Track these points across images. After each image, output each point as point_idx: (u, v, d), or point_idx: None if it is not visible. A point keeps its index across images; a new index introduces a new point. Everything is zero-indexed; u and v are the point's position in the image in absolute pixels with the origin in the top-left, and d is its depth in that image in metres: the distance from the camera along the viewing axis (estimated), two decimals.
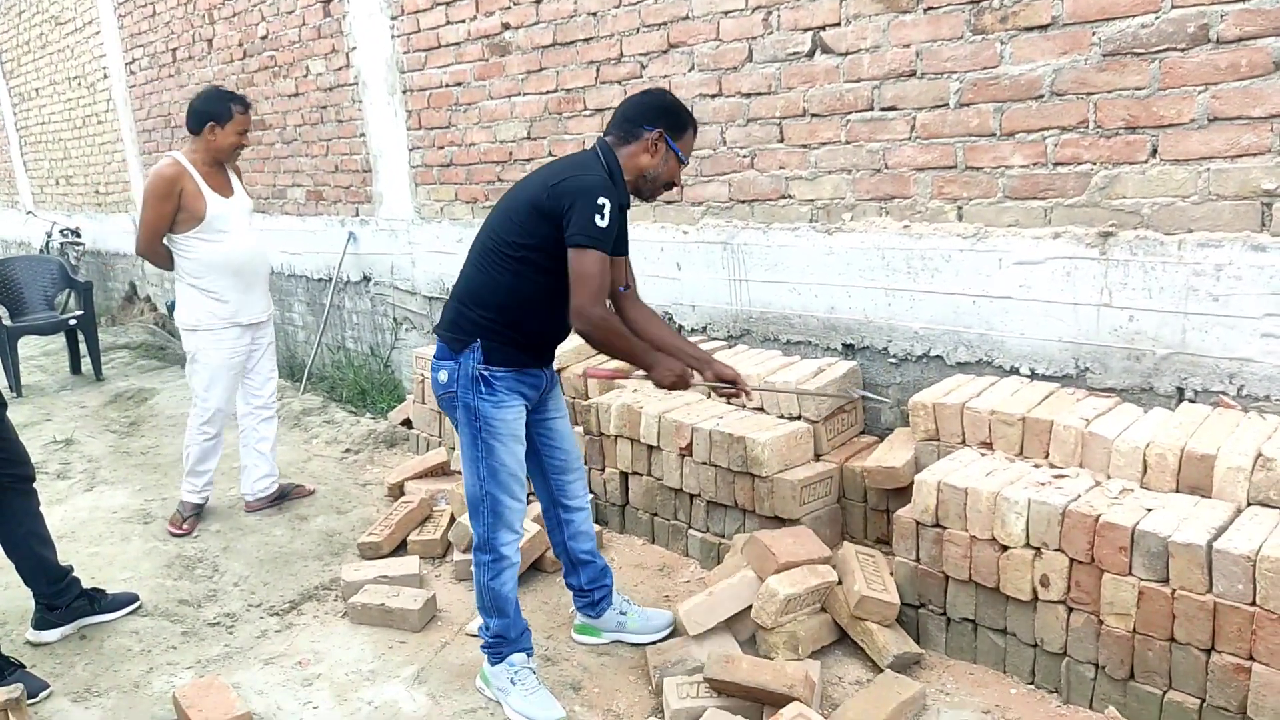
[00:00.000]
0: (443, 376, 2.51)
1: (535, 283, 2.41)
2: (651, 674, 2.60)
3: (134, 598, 3.21)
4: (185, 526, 3.91)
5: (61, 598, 3.03)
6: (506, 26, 4.32)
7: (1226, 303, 2.48)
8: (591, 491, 3.69)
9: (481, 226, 2.54)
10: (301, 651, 2.93)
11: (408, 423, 4.78)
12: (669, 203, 3.82)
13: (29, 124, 10.25)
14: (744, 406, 2.84)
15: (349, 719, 2.57)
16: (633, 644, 2.83)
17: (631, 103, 2.55)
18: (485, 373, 2.45)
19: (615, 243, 2.56)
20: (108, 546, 3.78)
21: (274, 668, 2.84)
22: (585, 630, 2.90)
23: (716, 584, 2.74)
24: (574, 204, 2.30)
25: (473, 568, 2.59)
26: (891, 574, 2.66)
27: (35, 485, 2.98)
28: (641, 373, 2.58)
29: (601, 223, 2.30)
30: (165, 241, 3.72)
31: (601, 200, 2.30)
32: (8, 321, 6.57)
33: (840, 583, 2.66)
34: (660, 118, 2.48)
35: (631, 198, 2.56)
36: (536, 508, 3.44)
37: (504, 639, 2.56)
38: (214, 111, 3.66)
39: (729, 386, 2.69)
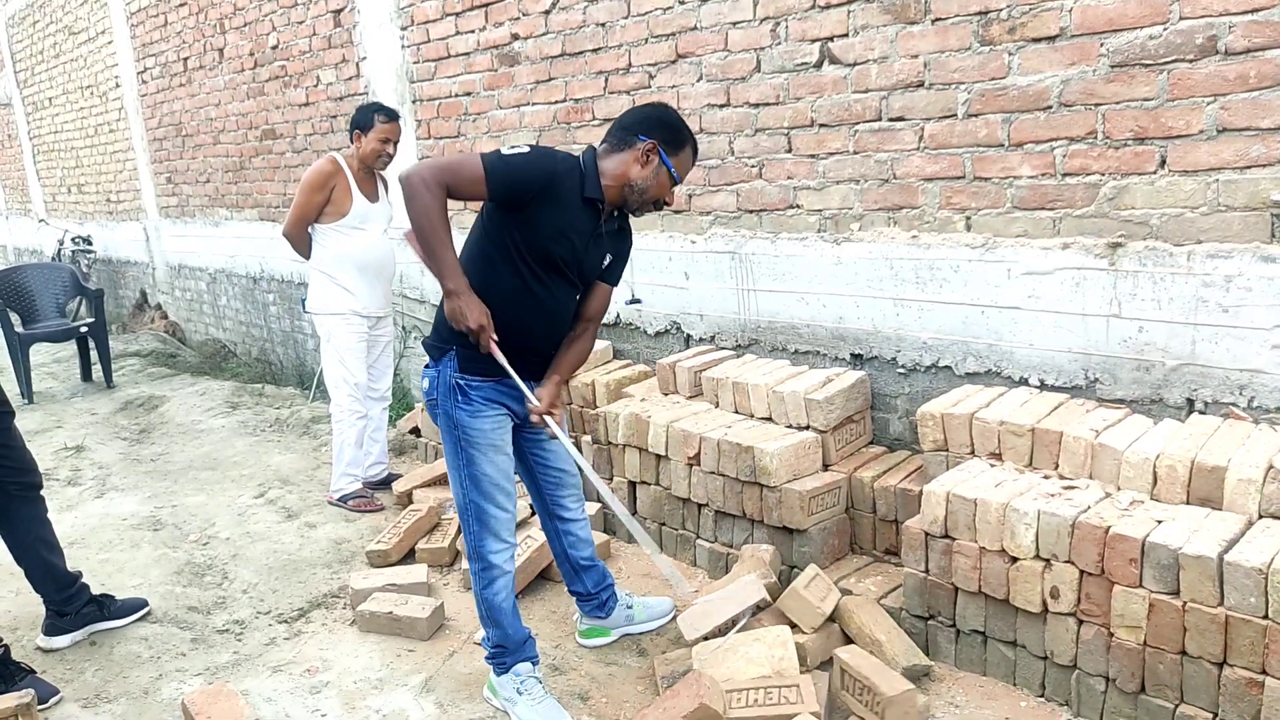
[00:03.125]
0: (424, 384, 2.54)
1: (504, 286, 2.39)
2: (659, 684, 2.60)
3: (143, 603, 3.22)
4: (378, 502, 4.16)
5: (71, 604, 3.04)
6: (515, 37, 4.34)
7: (1236, 314, 2.47)
8: (598, 500, 3.69)
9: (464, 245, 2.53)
10: (310, 659, 2.93)
11: (416, 431, 4.80)
12: (677, 212, 3.83)
13: (42, 133, 10.33)
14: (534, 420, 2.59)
15: None
16: (643, 633, 2.89)
17: (632, 112, 2.52)
18: (461, 381, 2.44)
19: (601, 264, 2.53)
20: (118, 553, 3.79)
21: (282, 675, 2.85)
22: (593, 633, 2.91)
23: (712, 591, 2.76)
24: None
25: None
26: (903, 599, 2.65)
27: (42, 492, 3.00)
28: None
29: (506, 151, 2.32)
30: (310, 230, 4.03)
31: (522, 149, 2.33)
32: (20, 328, 6.61)
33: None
34: (656, 130, 2.42)
35: (623, 211, 2.53)
36: None
37: (504, 649, 2.56)
38: (360, 121, 4.01)
39: (532, 401, 2.47)
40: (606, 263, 2.56)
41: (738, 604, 2.66)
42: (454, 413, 2.45)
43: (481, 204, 2.46)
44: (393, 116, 4.02)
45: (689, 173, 2.53)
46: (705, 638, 2.63)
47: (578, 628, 2.95)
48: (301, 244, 4.08)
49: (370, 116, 3.97)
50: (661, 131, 2.42)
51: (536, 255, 2.39)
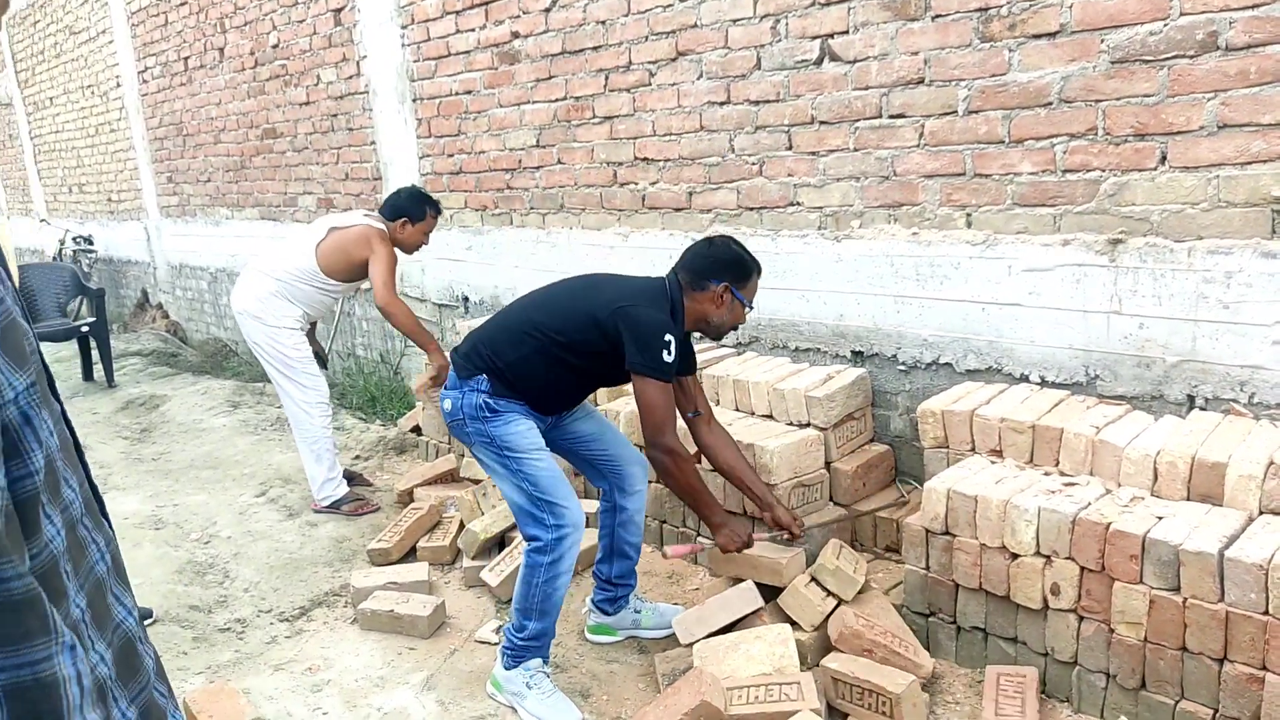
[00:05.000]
0: (447, 405, 2.60)
1: (558, 370, 2.55)
2: (660, 681, 2.60)
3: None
4: (374, 503, 4.14)
5: None
6: (516, 35, 4.34)
7: (1237, 310, 2.47)
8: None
9: (523, 299, 2.71)
10: (311, 657, 2.93)
11: (417, 429, 4.79)
12: (678, 210, 3.83)
13: (43, 132, 10.33)
14: (792, 542, 2.80)
15: None
16: (647, 639, 2.89)
17: (698, 254, 2.63)
18: (489, 401, 2.52)
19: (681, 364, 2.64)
20: None
21: (284, 673, 2.85)
22: (600, 630, 2.92)
23: (710, 596, 2.77)
24: (639, 335, 2.43)
25: (522, 569, 2.56)
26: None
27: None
28: (706, 543, 2.69)
29: (668, 358, 2.43)
30: (321, 275, 3.95)
31: (668, 338, 2.43)
32: None
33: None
34: (725, 271, 2.57)
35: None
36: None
37: (537, 643, 2.57)
38: (410, 211, 3.95)
39: (784, 534, 2.74)
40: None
41: (733, 612, 2.66)
42: (487, 428, 2.53)
43: (561, 307, 2.59)
44: (440, 210, 4.07)
45: (756, 293, 2.68)
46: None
47: (586, 622, 2.96)
48: (408, 314, 3.92)
49: (423, 210, 3.96)
50: (730, 272, 2.58)
51: (613, 378, 2.64)
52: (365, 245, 3.88)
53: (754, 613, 2.66)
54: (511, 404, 2.54)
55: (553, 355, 2.53)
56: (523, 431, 2.53)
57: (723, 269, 2.57)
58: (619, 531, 2.83)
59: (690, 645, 2.61)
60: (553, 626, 2.59)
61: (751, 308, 2.65)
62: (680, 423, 2.64)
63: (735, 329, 2.71)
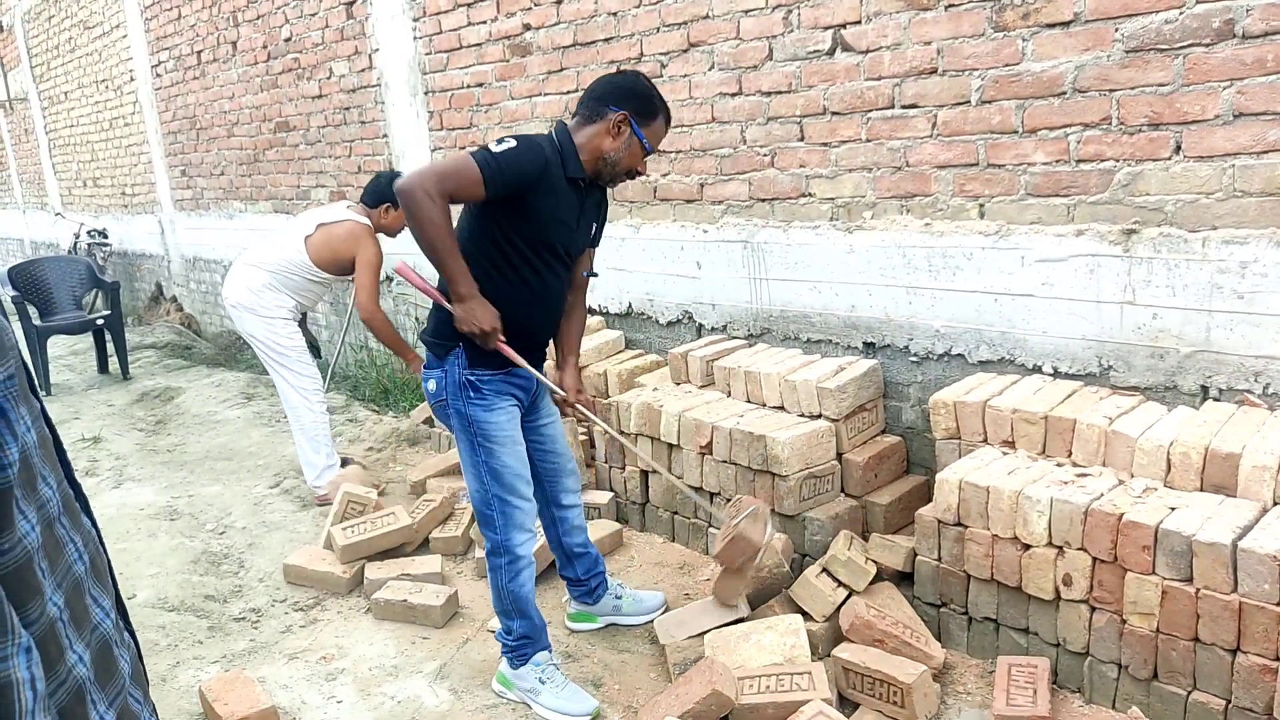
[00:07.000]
0: (431, 386, 2.52)
1: (508, 287, 2.40)
2: (671, 670, 2.61)
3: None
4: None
5: None
6: (527, 27, 4.34)
7: (1252, 300, 2.45)
8: (612, 490, 3.71)
9: None
10: (325, 647, 2.96)
11: (429, 421, 4.82)
12: (689, 202, 3.82)
13: (57, 127, 10.40)
14: (562, 410, 2.74)
15: (372, 713, 2.60)
16: (626, 625, 2.93)
17: (601, 81, 2.47)
18: (472, 378, 2.44)
19: (589, 236, 2.57)
20: (135, 543, 3.83)
21: (298, 662, 2.88)
22: (580, 618, 2.96)
23: (692, 602, 2.81)
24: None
25: (489, 575, 2.59)
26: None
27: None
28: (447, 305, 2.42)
29: (496, 148, 2.26)
30: (312, 267, 4.01)
31: (511, 141, 2.28)
32: (37, 321, 6.68)
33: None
34: (627, 100, 2.39)
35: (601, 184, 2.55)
36: None
37: (529, 639, 2.57)
38: (392, 196, 3.95)
39: (558, 392, 2.63)
40: (592, 232, 2.63)
41: (716, 618, 2.67)
42: (468, 410, 2.46)
43: (465, 208, 2.46)
44: None
45: (661, 141, 2.51)
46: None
47: (567, 611, 2.99)
48: (386, 324, 3.98)
49: None
50: (633, 102, 2.40)
51: (536, 247, 2.39)
52: (353, 243, 3.96)
53: (734, 622, 2.65)
54: (494, 377, 2.44)
55: (492, 263, 2.37)
56: (502, 422, 2.47)
57: (624, 96, 2.38)
58: (565, 540, 2.85)
59: (690, 639, 2.63)
60: (538, 619, 2.59)
61: (650, 151, 2.44)
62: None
63: (632, 177, 2.49)
